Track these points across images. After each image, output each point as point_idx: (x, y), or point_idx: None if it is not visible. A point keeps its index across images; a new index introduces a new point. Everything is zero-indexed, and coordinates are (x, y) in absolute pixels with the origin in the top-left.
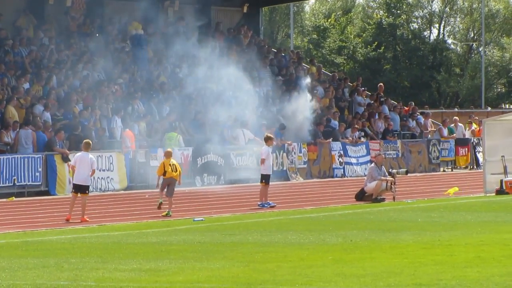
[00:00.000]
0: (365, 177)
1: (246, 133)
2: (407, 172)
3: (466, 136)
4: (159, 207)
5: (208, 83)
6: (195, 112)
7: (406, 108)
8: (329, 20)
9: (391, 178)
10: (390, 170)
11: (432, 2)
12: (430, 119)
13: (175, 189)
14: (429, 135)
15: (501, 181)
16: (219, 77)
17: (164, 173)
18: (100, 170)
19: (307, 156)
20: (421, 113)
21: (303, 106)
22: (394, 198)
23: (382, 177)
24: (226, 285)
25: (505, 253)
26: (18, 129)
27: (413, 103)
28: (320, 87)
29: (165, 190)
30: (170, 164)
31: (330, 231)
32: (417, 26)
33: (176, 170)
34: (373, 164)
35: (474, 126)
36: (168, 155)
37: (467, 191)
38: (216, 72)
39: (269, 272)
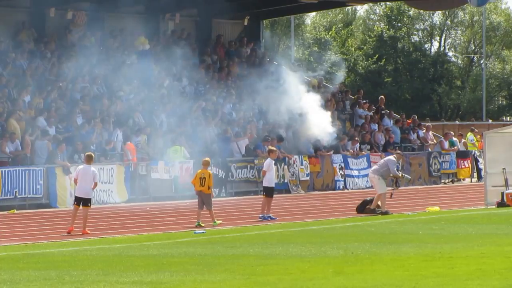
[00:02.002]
0: (376, 165)
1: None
2: (408, 180)
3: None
4: (198, 226)
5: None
6: (194, 124)
7: (408, 121)
8: (330, 33)
9: (400, 176)
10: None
11: (433, 14)
12: (431, 132)
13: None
14: (429, 148)
15: (502, 193)
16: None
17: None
18: (101, 183)
19: (309, 169)
20: (420, 125)
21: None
22: (391, 195)
23: (396, 173)
24: None
25: (506, 265)
26: (19, 140)
27: (416, 116)
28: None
29: (204, 206)
30: (200, 178)
31: (331, 243)
32: (418, 39)
33: (204, 185)
34: (392, 157)
35: (471, 136)
36: (205, 164)
37: (468, 204)
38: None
39: (270, 284)
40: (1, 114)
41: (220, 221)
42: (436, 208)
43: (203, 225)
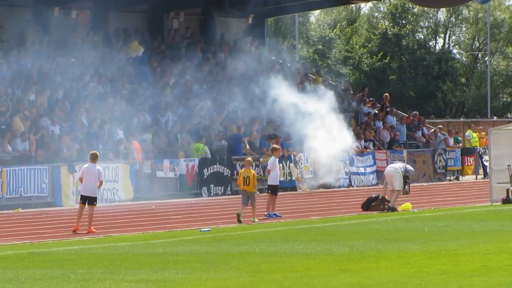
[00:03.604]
0: (397, 164)
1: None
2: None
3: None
4: (238, 220)
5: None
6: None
7: (407, 115)
8: (334, 31)
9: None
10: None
11: (437, 12)
12: (437, 128)
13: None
14: (433, 146)
15: (507, 190)
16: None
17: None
18: (106, 181)
19: (313, 166)
20: (425, 123)
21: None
22: (407, 192)
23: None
24: None
25: (511, 262)
26: (27, 140)
27: (417, 113)
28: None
29: (249, 202)
30: (244, 177)
31: (337, 241)
32: (422, 36)
33: (249, 183)
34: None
35: (468, 133)
36: (247, 163)
37: (473, 201)
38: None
39: (276, 282)
40: (4, 112)
41: (257, 220)
42: (409, 205)
43: (255, 220)
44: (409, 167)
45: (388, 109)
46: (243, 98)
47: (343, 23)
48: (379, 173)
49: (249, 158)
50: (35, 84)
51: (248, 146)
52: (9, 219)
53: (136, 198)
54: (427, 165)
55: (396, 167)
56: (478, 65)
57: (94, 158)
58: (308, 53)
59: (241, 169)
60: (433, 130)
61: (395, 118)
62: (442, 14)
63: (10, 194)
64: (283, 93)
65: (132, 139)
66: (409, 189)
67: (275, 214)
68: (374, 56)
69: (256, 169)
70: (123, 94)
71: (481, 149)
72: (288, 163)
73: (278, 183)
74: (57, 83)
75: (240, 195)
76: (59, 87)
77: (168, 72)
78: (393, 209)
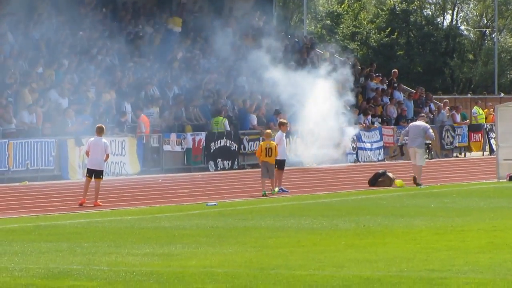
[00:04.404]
0: (412, 136)
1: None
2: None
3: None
4: (265, 195)
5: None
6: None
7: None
8: (342, 6)
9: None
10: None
11: None
12: (447, 107)
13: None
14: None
15: None
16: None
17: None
18: (113, 155)
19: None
20: (432, 99)
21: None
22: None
23: (433, 136)
24: (239, 270)
25: None
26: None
27: (424, 89)
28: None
29: (267, 174)
30: (266, 148)
31: (343, 216)
32: (430, 13)
33: (271, 155)
34: (425, 123)
35: (475, 109)
36: (267, 136)
37: (480, 177)
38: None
39: (282, 257)
40: (11, 85)
41: (277, 189)
42: (401, 182)
43: (275, 191)
44: (430, 131)
45: (395, 85)
46: (250, 72)
47: None
48: (386, 149)
49: (269, 130)
50: (43, 57)
51: (256, 123)
52: (16, 192)
53: (142, 172)
54: (435, 141)
55: (417, 143)
56: (486, 41)
57: (100, 131)
58: (316, 28)
59: (262, 141)
60: (437, 106)
61: (402, 94)
62: None
63: (16, 167)
64: (283, 72)
65: (139, 112)
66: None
67: (281, 189)
68: (382, 32)
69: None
70: (130, 67)
71: (488, 125)
72: (295, 138)
73: (286, 158)
74: (65, 55)
75: (248, 169)
76: (67, 60)
77: (176, 46)
78: (419, 184)
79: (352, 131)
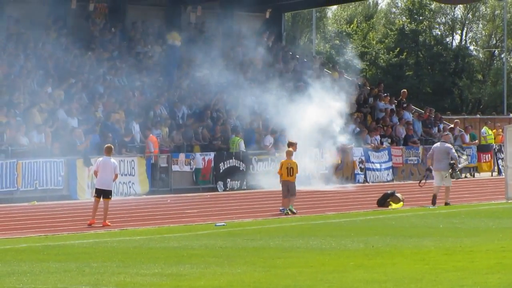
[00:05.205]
0: (438, 158)
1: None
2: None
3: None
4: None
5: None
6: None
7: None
8: (351, 26)
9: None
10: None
11: (454, 8)
12: (457, 127)
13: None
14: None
15: None
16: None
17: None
18: (122, 175)
19: (329, 162)
20: (441, 119)
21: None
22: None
23: (456, 157)
24: None
25: None
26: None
27: (433, 110)
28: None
29: (287, 194)
30: (287, 168)
31: (352, 236)
32: (439, 33)
33: (292, 174)
34: (448, 144)
35: (484, 130)
36: (288, 154)
37: (489, 198)
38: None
39: (291, 277)
40: (18, 104)
41: (295, 211)
42: (400, 204)
43: (294, 211)
44: (453, 151)
45: (405, 105)
46: (260, 91)
47: (360, 19)
48: (395, 169)
49: (291, 149)
50: (52, 76)
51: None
52: (25, 212)
53: (151, 192)
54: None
55: (443, 165)
56: (495, 62)
57: (108, 151)
58: (325, 48)
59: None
60: (442, 127)
61: (411, 114)
62: (459, 10)
63: (25, 187)
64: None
65: (148, 132)
66: (456, 174)
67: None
68: (391, 52)
69: (272, 164)
70: (138, 87)
71: (496, 146)
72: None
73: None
74: (74, 75)
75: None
76: (76, 80)
77: (184, 66)
78: (448, 204)
79: (342, 139)
